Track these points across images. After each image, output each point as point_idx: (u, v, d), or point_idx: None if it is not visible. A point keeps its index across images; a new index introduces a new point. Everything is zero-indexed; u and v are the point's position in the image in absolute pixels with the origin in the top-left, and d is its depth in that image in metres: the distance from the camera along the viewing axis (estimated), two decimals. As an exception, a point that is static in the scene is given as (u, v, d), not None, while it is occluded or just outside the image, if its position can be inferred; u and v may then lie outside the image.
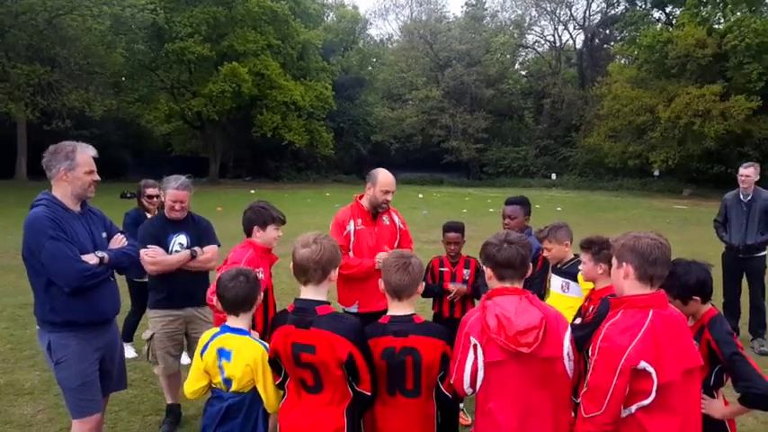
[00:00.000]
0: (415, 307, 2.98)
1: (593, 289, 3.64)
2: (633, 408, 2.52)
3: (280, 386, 2.99)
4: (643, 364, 2.45)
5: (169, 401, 4.78)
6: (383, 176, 4.70)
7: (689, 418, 2.62)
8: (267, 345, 3.00)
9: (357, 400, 2.79)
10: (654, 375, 2.46)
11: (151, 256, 4.36)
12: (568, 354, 2.68)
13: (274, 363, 2.93)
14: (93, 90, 31.40)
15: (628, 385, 2.47)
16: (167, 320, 4.54)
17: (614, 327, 2.57)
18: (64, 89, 29.73)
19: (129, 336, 6.30)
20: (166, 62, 38.14)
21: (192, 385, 3.16)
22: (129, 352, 6.18)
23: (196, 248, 4.51)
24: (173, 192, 4.47)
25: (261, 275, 3.84)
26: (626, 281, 2.66)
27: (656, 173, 37.41)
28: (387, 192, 4.67)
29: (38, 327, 3.54)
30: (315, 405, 2.79)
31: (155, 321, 4.58)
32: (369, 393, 2.76)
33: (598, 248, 3.53)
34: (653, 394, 2.48)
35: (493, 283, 2.82)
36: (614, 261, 2.76)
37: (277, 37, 39.91)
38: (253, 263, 3.78)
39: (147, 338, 4.64)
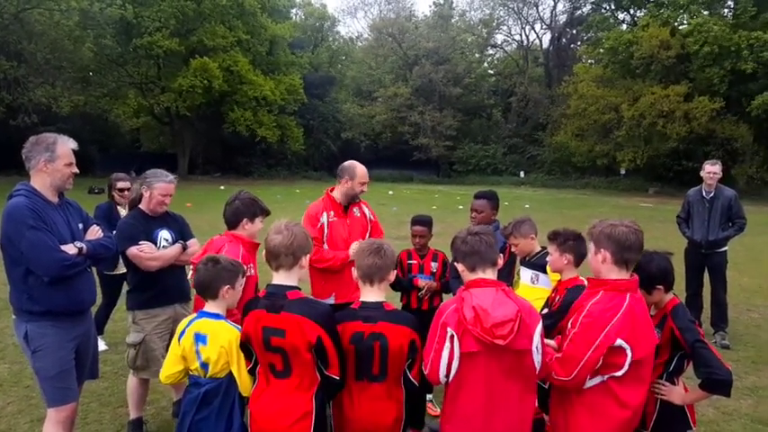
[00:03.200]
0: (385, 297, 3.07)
1: (560, 280, 3.75)
2: (605, 377, 2.75)
3: (251, 372, 3.05)
4: (619, 342, 2.67)
5: (134, 416, 4.49)
6: (361, 169, 4.85)
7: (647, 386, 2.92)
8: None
9: (325, 384, 2.86)
10: (629, 351, 2.68)
11: (148, 252, 4.18)
12: (537, 347, 2.74)
13: (245, 347, 2.98)
14: (61, 85, 30.91)
15: (600, 359, 2.68)
16: (159, 320, 4.32)
17: (596, 305, 2.76)
18: (30, 84, 29.20)
19: (100, 329, 6.24)
20: (135, 57, 37.65)
21: (168, 370, 3.22)
22: (100, 345, 6.11)
23: (187, 242, 4.38)
24: (165, 185, 4.34)
25: (251, 272, 3.84)
26: (603, 265, 2.86)
27: (623, 171, 37.92)
28: (364, 183, 4.84)
29: (14, 316, 3.55)
30: (283, 390, 2.85)
31: (144, 322, 4.29)
32: (337, 378, 2.84)
33: (563, 240, 3.65)
34: (625, 368, 2.71)
35: (466, 276, 2.90)
36: (591, 246, 2.95)
37: (246, 31, 39.72)
38: (245, 260, 3.71)
39: (136, 342, 4.27)
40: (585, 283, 3.45)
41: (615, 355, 2.70)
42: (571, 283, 3.60)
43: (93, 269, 3.96)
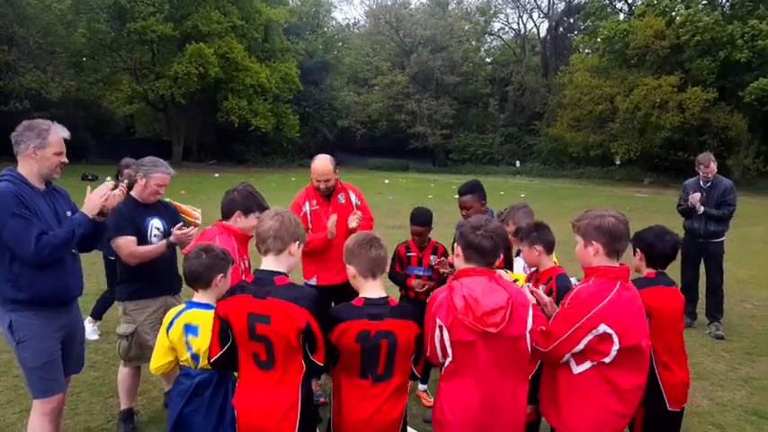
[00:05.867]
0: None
1: (537, 270, 3.77)
2: (595, 363, 2.76)
3: (219, 362, 2.90)
4: (604, 327, 2.68)
5: (125, 406, 4.44)
6: (315, 165, 4.91)
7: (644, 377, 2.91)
8: None
9: (309, 371, 2.79)
10: (615, 338, 2.68)
11: (126, 249, 4.09)
12: (530, 331, 2.79)
13: (222, 329, 2.85)
14: (52, 70, 30.66)
15: (582, 341, 2.71)
16: (150, 311, 4.27)
17: (585, 289, 2.79)
18: (21, 69, 28.96)
19: (100, 313, 6.23)
20: (129, 42, 37.24)
21: (157, 362, 3.17)
22: (94, 334, 6.12)
23: (171, 237, 4.21)
24: (162, 176, 4.29)
25: (246, 264, 3.78)
26: (595, 257, 2.85)
27: (618, 162, 37.96)
28: (318, 180, 4.87)
29: None
30: (268, 382, 2.77)
31: (135, 313, 4.26)
32: (321, 364, 2.78)
33: (526, 233, 3.72)
34: (612, 354, 2.71)
35: (459, 262, 2.90)
36: (580, 239, 2.92)
37: (240, 17, 39.26)
38: (239, 252, 3.67)
39: (127, 333, 4.24)
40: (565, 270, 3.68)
41: (602, 342, 2.70)
42: (554, 272, 3.65)
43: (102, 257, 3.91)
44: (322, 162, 4.90)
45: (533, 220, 3.92)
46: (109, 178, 4.58)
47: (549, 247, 3.70)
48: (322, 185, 4.86)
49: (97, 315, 6.25)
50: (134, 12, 34.45)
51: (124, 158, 6.21)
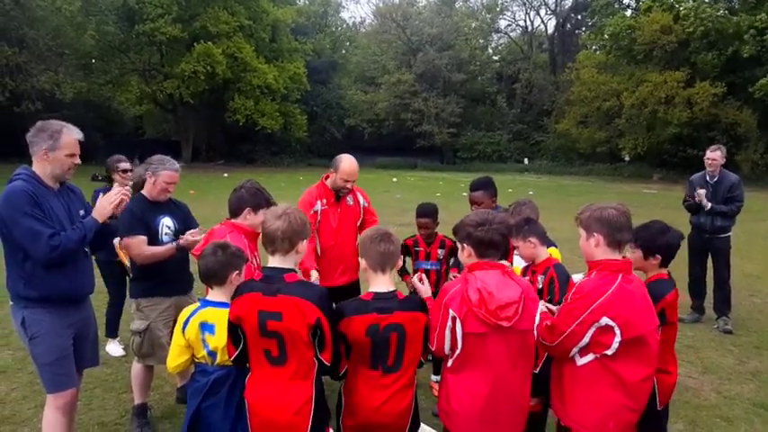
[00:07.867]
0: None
1: (534, 263, 3.83)
2: (598, 355, 2.77)
3: (238, 359, 2.95)
4: (605, 320, 2.70)
5: (138, 401, 4.46)
6: (345, 165, 4.80)
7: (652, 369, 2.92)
8: None
9: (320, 369, 2.83)
10: (617, 330, 2.70)
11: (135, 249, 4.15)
12: (537, 326, 2.89)
13: (234, 332, 2.90)
14: (63, 72, 30.82)
15: (586, 335, 2.73)
16: (162, 308, 4.32)
17: (587, 283, 2.81)
18: (33, 71, 29.13)
19: (114, 331, 6.00)
20: (137, 44, 37.48)
21: (175, 360, 3.18)
22: (117, 350, 5.91)
23: (190, 231, 4.25)
24: (170, 173, 4.31)
25: (257, 261, 3.81)
26: (597, 249, 2.88)
27: (627, 158, 37.77)
28: (347, 181, 4.81)
29: (11, 303, 3.52)
30: (281, 378, 2.80)
31: (148, 310, 4.31)
32: (328, 364, 2.80)
33: (518, 229, 3.77)
34: (614, 347, 2.72)
35: (471, 260, 2.92)
36: (582, 232, 2.95)
37: (248, 17, 39.36)
38: (249, 250, 3.69)
39: (140, 330, 4.26)
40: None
41: (604, 334, 2.72)
42: (550, 262, 3.72)
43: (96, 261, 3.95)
44: (353, 163, 4.85)
45: (536, 216, 3.98)
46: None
47: (542, 238, 3.78)
48: (349, 185, 4.84)
49: (112, 334, 5.97)
50: (143, 13, 34.70)
51: (115, 155, 6.06)
